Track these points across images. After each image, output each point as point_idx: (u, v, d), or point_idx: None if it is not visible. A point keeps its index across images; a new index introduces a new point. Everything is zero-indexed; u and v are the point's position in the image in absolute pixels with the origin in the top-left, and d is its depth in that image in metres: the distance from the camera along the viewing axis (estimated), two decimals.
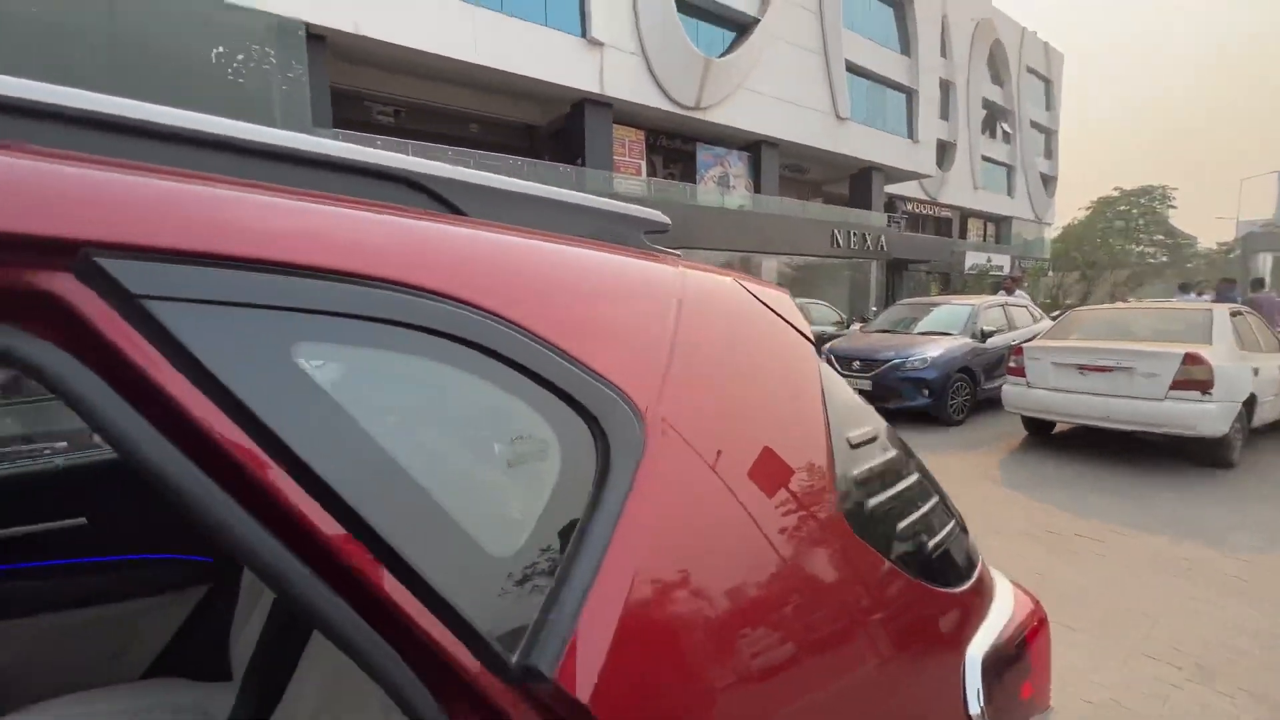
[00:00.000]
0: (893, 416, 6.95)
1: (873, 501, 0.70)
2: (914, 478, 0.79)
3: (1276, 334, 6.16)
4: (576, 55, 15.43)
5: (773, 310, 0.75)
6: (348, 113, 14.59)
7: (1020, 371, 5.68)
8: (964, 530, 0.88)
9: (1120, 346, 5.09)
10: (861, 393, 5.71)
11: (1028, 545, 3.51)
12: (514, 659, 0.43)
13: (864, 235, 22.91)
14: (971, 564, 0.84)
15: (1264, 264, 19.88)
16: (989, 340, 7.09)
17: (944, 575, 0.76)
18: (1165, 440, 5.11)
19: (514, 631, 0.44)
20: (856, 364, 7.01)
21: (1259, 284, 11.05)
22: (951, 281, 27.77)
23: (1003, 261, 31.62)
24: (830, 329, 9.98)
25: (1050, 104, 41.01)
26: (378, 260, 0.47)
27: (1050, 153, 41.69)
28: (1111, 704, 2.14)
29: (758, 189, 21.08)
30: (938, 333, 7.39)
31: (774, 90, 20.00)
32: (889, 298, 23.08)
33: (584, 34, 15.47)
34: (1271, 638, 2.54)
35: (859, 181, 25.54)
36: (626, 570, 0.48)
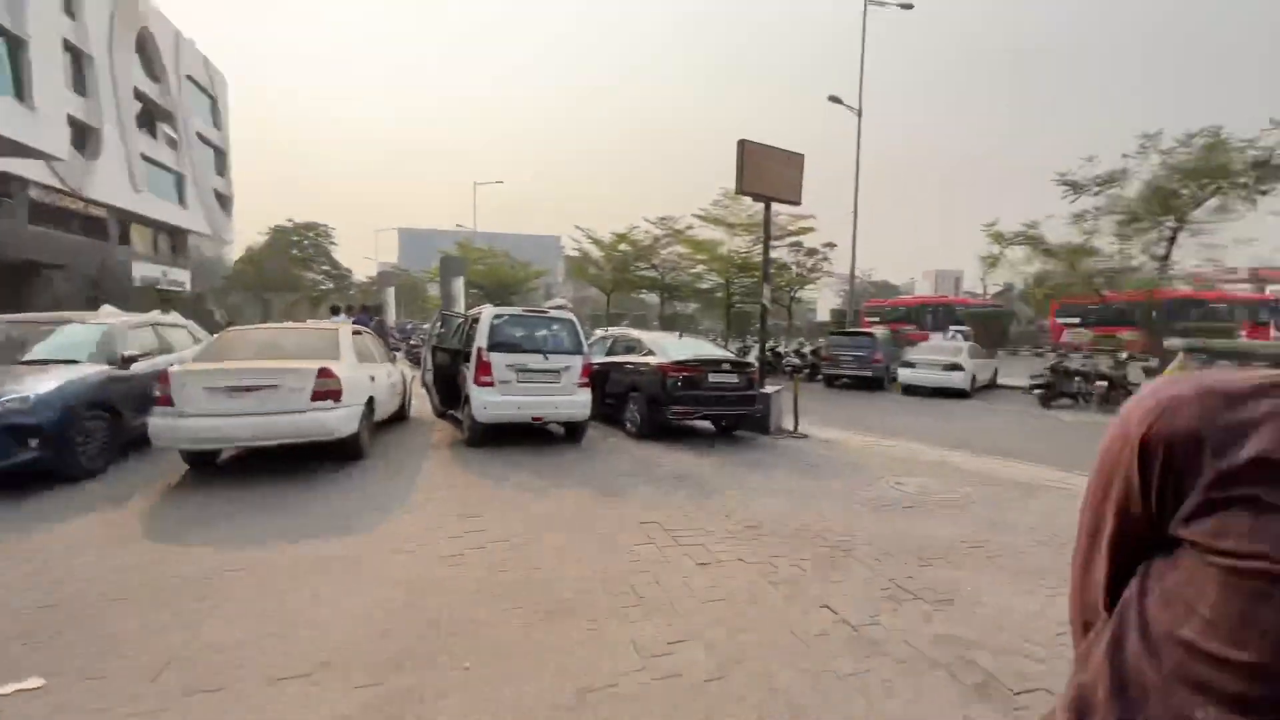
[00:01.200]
0: None
1: None
2: None
3: (388, 348, 8.05)
4: None
5: None
6: None
7: (168, 400, 4.93)
8: None
9: (266, 366, 5.22)
10: None
11: (133, 607, 2.90)
12: None
13: None
14: None
15: (391, 295, 26.80)
16: (134, 366, 5.91)
17: None
18: (313, 447, 5.62)
19: None
20: None
21: (378, 310, 14.49)
22: (110, 294, 22.94)
23: (182, 277, 29.00)
24: None
25: (219, 123, 40.61)
26: None
27: (223, 171, 41.42)
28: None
29: None
30: (57, 361, 5.55)
31: None
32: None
33: None
34: (394, 615, 2.99)
35: None
36: None
